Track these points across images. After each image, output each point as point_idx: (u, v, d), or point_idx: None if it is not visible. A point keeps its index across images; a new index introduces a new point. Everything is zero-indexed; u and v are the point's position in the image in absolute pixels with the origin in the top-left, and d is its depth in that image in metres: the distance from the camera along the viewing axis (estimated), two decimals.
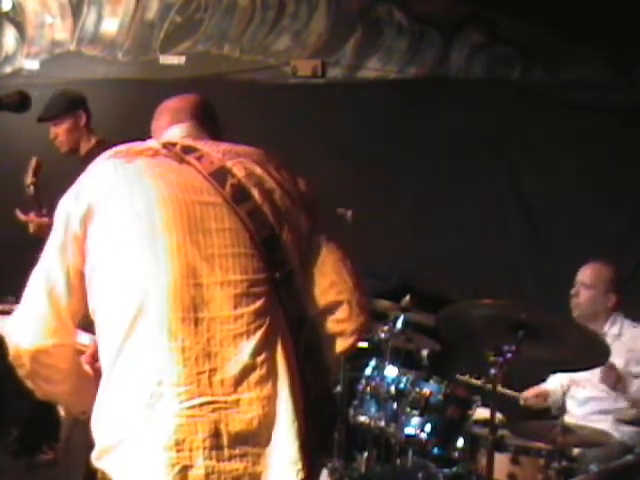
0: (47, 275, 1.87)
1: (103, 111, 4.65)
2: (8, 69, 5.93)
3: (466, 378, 4.19)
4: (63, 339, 1.88)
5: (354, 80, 5.45)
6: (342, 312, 1.95)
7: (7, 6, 5.83)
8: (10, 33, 5.92)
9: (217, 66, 5.62)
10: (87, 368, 2.00)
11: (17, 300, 2.08)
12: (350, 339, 1.97)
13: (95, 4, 5.81)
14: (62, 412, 2.09)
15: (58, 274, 1.86)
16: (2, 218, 5.44)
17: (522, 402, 4.17)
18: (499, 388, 3.69)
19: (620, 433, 3.87)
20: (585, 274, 4.17)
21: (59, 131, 4.19)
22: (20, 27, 5.91)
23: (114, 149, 1.98)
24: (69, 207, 1.89)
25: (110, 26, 5.80)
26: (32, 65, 5.89)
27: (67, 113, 4.17)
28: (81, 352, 1.92)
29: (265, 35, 5.58)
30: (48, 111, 4.21)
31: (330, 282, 1.95)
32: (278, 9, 5.55)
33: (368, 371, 3.96)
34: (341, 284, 1.95)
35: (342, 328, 1.96)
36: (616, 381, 3.83)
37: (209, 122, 2.15)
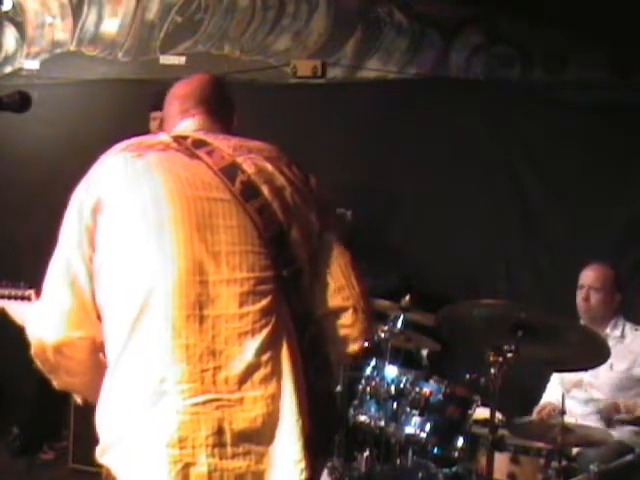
0: (67, 267, 1.86)
1: (103, 111, 4.66)
2: (8, 69, 5.92)
3: None
4: (87, 331, 1.87)
5: (354, 80, 5.44)
6: (347, 318, 1.95)
7: (7, 6, 5.83)
8: (10, 33, 5.92)
9: (217, 66, 5.61)
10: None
11: (30, 286, 2.09)
12: (353, 344, 1.98)
13: (95, 4, 5.80)
14: (79, 400, 2.09)
15: (79, 265, 1.85)
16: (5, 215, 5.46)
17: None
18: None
19: (620, 433, 3.87)
20: (592, 277, 4.13)
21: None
22: (20, 27, 5.90)
23: (125, 142, 1.97)
24: (81, 198, 1.88)
25: (110, 26, 5.79)
26: (32, 65, 5.88)
27: None
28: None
29: (265, 35, 5.57)
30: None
31: (338, 286, 1.95)
32: (278, 9, 5.54)
33: (368, 371, 3.96)
34: (349, 289, 1.95)
35: (346, 333, 1.96)
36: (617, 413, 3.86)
37: (219, 103, 2.13)
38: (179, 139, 1.97)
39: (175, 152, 1.92)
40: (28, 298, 2.16)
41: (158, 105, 4.20)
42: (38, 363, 1.91)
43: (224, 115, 2.13)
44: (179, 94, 2.14)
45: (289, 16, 5.53)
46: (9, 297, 2.20)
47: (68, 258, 1.87)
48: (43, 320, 1.88)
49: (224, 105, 2.15)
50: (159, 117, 4.16)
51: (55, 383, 1.98)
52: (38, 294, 2.02)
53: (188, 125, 2.07)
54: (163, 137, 2.00)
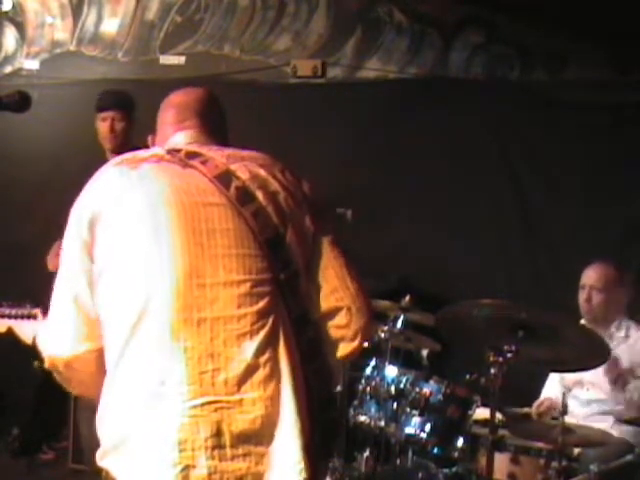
0: (70, 282, 1.89)
1: None
2: (8, 69, 5.93)
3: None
4: (95, 344, 1.90)
5: (354, 80, 5.45)
6: (341, 318, 1.96)
7: (7, 6, 5.83)
8: (10, 33, 5.93)
9: (217, 66, 5.62)
10: None
11: (36, 304, 2.13)
12: (351, 344, 1.98)
13: (95, 4, 5.81)
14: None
15: (80, 280, 1.88)
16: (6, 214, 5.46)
17: (535, 417, 4.12)
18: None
19: (620, 433, 3.87)
20: (593, 277, 4.09)
21: (117, 126, 4.09)
22: (20, 27, 5.91)
23: (120, 157, 2.00)
24: (79, 213, 1.91)
25: (110, 26, 5.80)
26: (32, 65, 5.89)
27: (130, 112, 4.12)
28: None
29: (265, 35, 5.58)
30: (116, 101, 4.15)
31: (332, 288, 1.95)
32: (278, 9, 5.55)
33: (368, 371, 3.96)
34: (343, 290, 1.95)
35: (342, 334, 1.96)
36: (617, 375, 3.84)
37: (215, 119, 2.14)
38: (172, 152, 1.99)
39: (169, 163, 1.94)
40: (34, 317, 2.20)
41: (106, 105, 4.21)
42: (54, 374, 1.97)
43: (218, 130, 2.14)
44: (176, 103, 2.15)
45: (289, 16, 5.53)
46: (16, 317, 2.25)
47: (69, 273, 1.90)
48: (52, 337, 1.93)
49: (219, 120, 2.17)
50: (109, 117, 4.12)
51: (72, 392, 2.05)
52: (44, 313, 2.07)
53: (181, 139, 2.08)
54: (157, 150, 2.03)
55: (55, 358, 1.92)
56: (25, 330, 2.18)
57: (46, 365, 1.95)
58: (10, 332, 2.23)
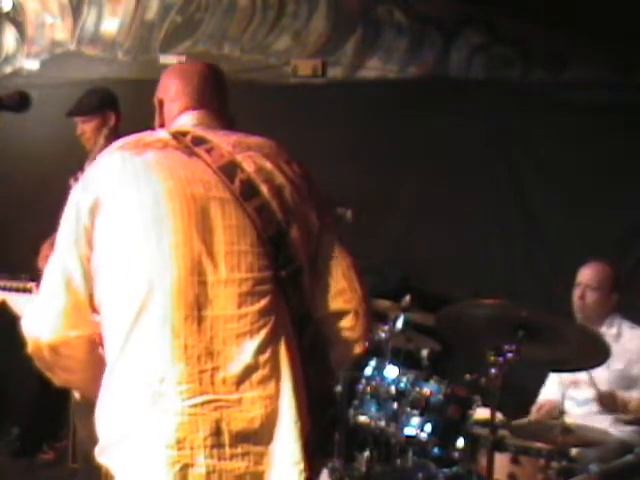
0: (64, 267, 1.86)
1: None
2: (8, 69, 5.93)
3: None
4: (83, 330, 1.87)
5: (354, 80, 5.45)
6: (348, 321, 1.95)
7: (7, 6, 5.83)
8: (10, 33, 5.93)
9: None
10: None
11: (31, 278, 2.09)
12: (355, 347, 1.98)
13: (95, 4, 5.81)
14: (77, 395, 2.09)
15: (74, 265, 1.85)
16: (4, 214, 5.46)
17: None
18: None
19: (620, 433, 3.87)
20: (589, 276, 4.10)
21: (86, 128, 4.21)
22: (20, 27, 5.91)
23: (123, 140, 1.96)
24: (79, 198, 1.88)
25: (110, 26, 5.80)
26: (32, 65, 5.89)
27: (96, 112, 4.21)
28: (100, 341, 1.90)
29: (265, 35, 5.58)
30: (78, 107, 4.27)
31: (340, 289, 1.94)
32: (278, 9, 5.55)
33: (368, 371, 3.96)
34: (351, 292, 1.94)
35: (347, 336, 1.96)
36: (614, 404, 3.85)
37: (222, 99, 2.11)
38: (178, 136, 1.95)
39: (174, 150, 1.91)
40: (29, 290, 2.17)
41: (69, 112, 4.25)
42: (35, 360, 1.92)
43: (224, 107, 2.11)
44: (184, 78, 2.10)
45: (289, 16, 5.53)
46: (10, 289, 2.23)
47: (64, 258, 1.87)
48: (39, 319, 1.88)
49: (225, 97, 2.13)
50: (78, 122, 4.25)
51: (54, 380, 1.98)
52: (39, 287, 2.01)
53: (188, 120, 2.04)
54: (162, 134, 1.98)
55: (40, 342, 1.86)
56: (19, 303, 2.14)
57: (29, 349, 1.89)
58: (3, 304, 2.19)
